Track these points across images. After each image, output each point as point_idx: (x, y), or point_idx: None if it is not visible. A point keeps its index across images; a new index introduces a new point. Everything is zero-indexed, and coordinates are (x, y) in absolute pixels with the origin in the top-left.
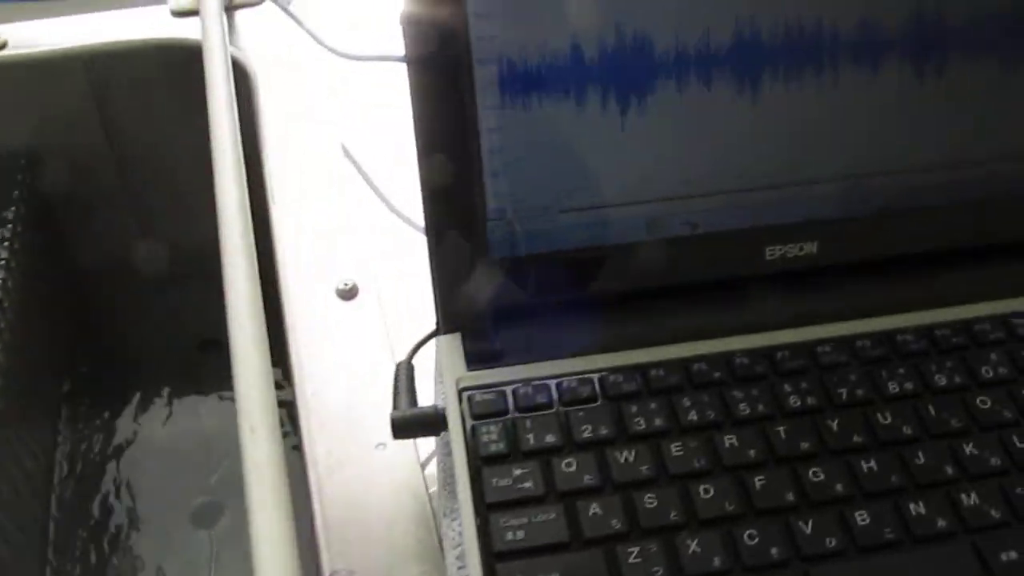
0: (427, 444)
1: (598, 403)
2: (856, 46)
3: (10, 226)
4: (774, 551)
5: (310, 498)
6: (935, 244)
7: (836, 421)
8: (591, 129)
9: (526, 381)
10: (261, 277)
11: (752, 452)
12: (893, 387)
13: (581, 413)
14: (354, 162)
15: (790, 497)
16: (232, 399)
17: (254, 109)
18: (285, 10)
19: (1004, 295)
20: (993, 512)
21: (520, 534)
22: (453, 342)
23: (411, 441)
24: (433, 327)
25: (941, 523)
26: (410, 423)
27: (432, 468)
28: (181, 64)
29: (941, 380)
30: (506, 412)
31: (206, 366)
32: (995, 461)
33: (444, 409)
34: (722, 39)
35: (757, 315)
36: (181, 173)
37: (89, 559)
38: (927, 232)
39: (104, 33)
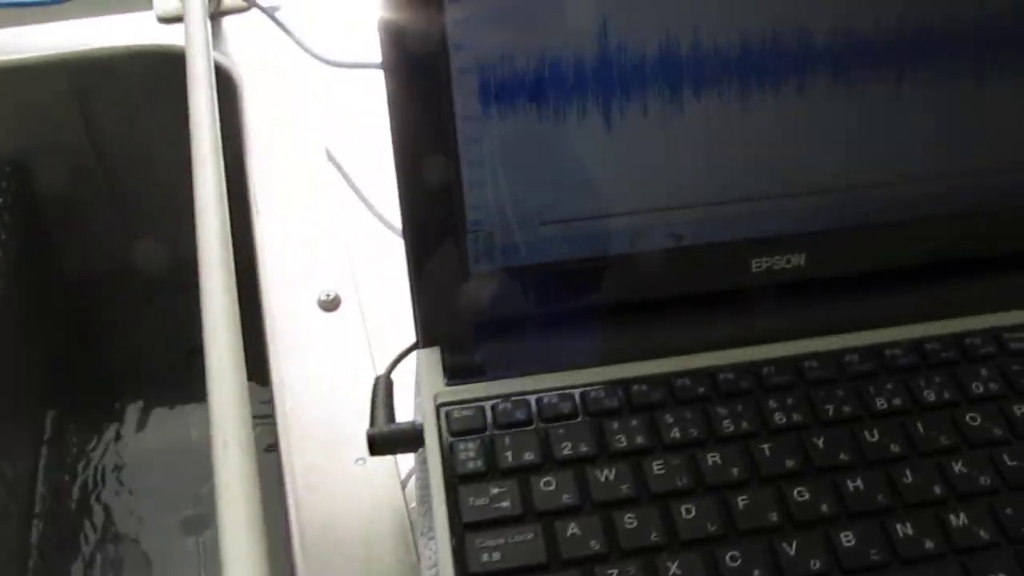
0: (408, 459)
1: (579, 419)
2: (840, 58)
3: None
4: (756, 573)
5: (287, 514)
6: (925, 256)
7: (822, 438)
8: (572, 140)
9: (505, 397)
10: (242, 287)
11: (736, 470)
12: (881, 403)
13: (561, 430)
14: (339, 168)
15: (774, 517)
16: None
17: (239, 115)
18: (272, 17)
19: (995, 308)
20: (982, 533)
21: (496, 555)
22: (432, 356)
23: (391, 456)
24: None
25: (929, 544)
26: (387, 440)
27: (413, 484)
28: (166, 71)
29: (930, 396)
30: (484, 429)
31: (196, 374)
32: (985, 480)
33: (422, 425)
34: (705, 50)
35: (743, 329)
36: (167, 180)
37: (76, 568)
38: (916, 244)
39: (90, 40)
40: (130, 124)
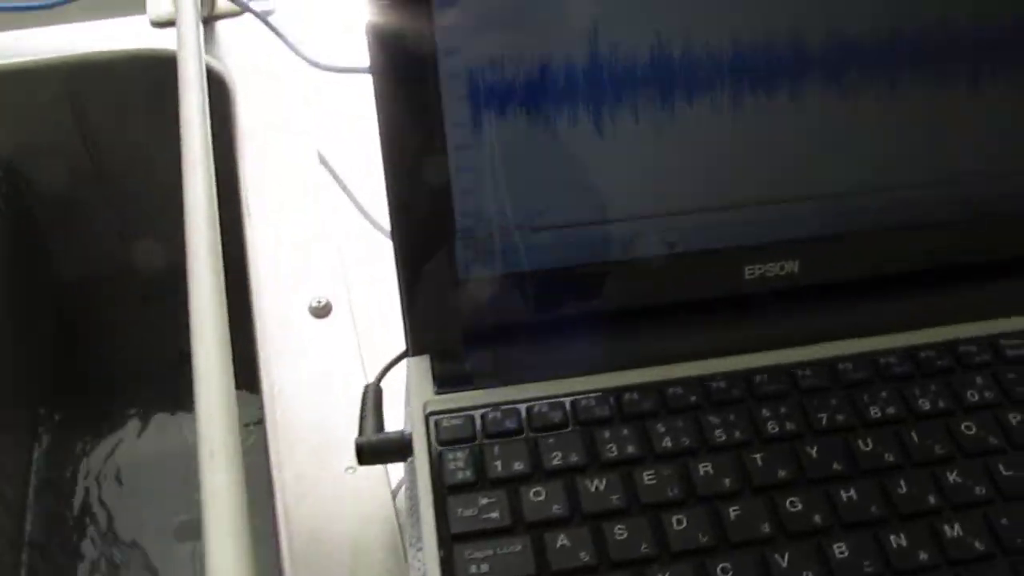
0: (399, 468)
1: (569, 429)
2: (833, 63)
3: None
4: None
5: (276, 523)
6: (919, 263)
7: (815, 448)
8: (564, 146)
9: (495, 406)
10: (234, 292)
11: (727, 481)
12: (875, 412)
13: (551, 440)
14: (331, 171)
15: (766, 528)
16: None
17: (232, 119)
18: (265, 21)
19: (990, 315)
20: (977, 544)
21: (484, 567)
22: (422, 364)
23: (381, 465)
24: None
25: (923, 556)
26: (376, 449)
27: (403, 494)
28: (160, 75)
29: (925, 405)
30: (474, 438)
31: (188, 379)
32: (980, 490)
33: (411, 434)
34: (697, 56)
35: (736, 337)
36: (162, 183)
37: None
38: (910, 251)
39: (84, 44)
40: (124, 127)
